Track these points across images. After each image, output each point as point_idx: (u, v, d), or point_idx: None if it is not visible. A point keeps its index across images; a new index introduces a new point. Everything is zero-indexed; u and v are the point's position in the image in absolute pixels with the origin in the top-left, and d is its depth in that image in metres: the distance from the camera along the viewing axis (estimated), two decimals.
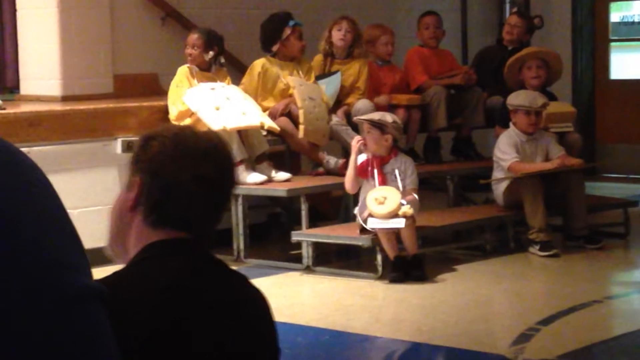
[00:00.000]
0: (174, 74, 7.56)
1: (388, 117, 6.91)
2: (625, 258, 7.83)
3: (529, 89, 7.97)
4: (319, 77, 8.02)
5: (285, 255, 7.42)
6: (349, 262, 7.41)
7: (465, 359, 5.26)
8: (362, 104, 7.91)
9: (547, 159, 7.66)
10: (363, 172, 6.86)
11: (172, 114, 7.45)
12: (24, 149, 1.21)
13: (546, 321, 5.72)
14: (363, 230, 6.84)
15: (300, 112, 7.52)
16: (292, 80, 7.65)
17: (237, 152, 7.10)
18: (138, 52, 8.34)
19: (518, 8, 9.57)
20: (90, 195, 7.22)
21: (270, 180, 7.37)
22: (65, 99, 7.84)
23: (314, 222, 7.45)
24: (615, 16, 11.35)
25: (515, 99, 7.70)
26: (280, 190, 7.32)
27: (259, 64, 7.78)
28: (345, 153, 7.72)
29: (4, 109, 7.12)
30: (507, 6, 11.07)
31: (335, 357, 5.42)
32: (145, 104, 7.66)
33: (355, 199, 7.16)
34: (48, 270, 1.14)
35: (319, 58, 8.18)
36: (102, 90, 8.05)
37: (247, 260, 7.27)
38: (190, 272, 2.25)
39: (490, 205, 8.10)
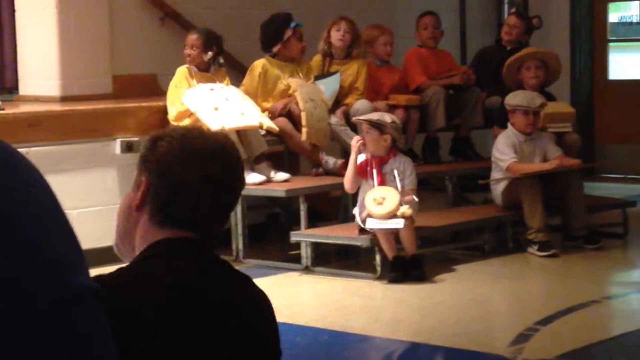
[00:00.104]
0: (173, 74, 7.56)
1: (387, 118, 6.91)
2: (623, 258, 7.84)
3: (527, 90, 7.97)
4: (317, 78, 8.02)
5: (284, 255, 7.42)
6: (347, 262, 7.41)
7: (464, 359, 5.26)
8: (360, 104, 7.91)
9: (545, 159, 7.66)
10: (362, 172, 6.86)
11: (171, 115, 7.45)
12: (23, 150, 1.22)
13: (545, 321, 5.72)
14: (362, 231, 6.85)
15: (303, 115, 7.53)
16: (294, 82, 7.65)
17: None
18: (137, 52, 8.34)
19: (517, 8, 9.57)
20: (90, 195, 7.22)
21: (269, 180, 7.37)
22: (64, 99, 7.83)
23: (313, 223, 7.45)
24: (613, 16, 11.36)
25: (514, 99, 7.70)
26: (279, 191, 7.32)
27: (259, 65, 7.79)
28: (344, 153, 7.72)
29: (3, 109, 7.12)
30: (506, 6, 11.07)
31: (334, 357, 5.42)
32: (144, 104, 7.66)
33: (354, 199, 7.16)
34: (46, 270, 1.14)
35: (317, 58, 8.18)
36: (101, 90, 8.05)
37: (246, 260, 7.28)
38: (195, 272, 2.26)
39: (488, 205, 8.11)
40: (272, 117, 7.63)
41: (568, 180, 7.59)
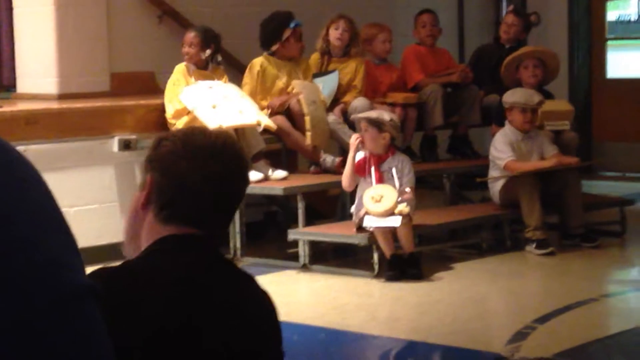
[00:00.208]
0: (170, 72, 7.56)
1: (385, 116, 6.91)
2: (621, 256, 7.84)
3: (525, 88, 7.97)
4: (316, 76, 8.02)
5: (281, 253, 7.42)
6: (345, 260, 7.40)
7: (462, 357, 5.27)
8: (359, 102, 7.91)
9: (542, 157, 7.66)
10: (360, 170, 6.86)
11: (169, 112, 7.45)
12: (20, 148, 1.22)
13: (542, 319, 5.73)
14: (359, 229, 6.85)
15: (307, 119, 7.53)
16: (297, 85, 7.63)
17: None
18: (135, 50, 8.33)
19: (514, 6, 9.56)
20: (87, 193, 7.22)
21: (267, 178, 7.37)
22: (61, 97, 7.83)
23: (310, 221, 7.45)
24: (611, 15, 11.38)
25: (511, 96, 7.71)
26: (276, 189, 7.32)
27: (257, 63, 7.78)
28: (342, 151, 7.72)
29: (1, 107, 7.12)
30: (504, 4, 11.07)
31: (331, 356, 5.43)
32: (142, 102, 7.66)
33: (351, 197, 7.16)
34: (43, 269, 1.14)
35: (316, 56, 8.18)
36: (99, 88, 8.04)
37: (243, 258, 7.28)
38: (200, 268, 2.28)
39: (486, 203, 8.11)
40: (271, 112, 7.63)
41: (566, 178, 7.59)
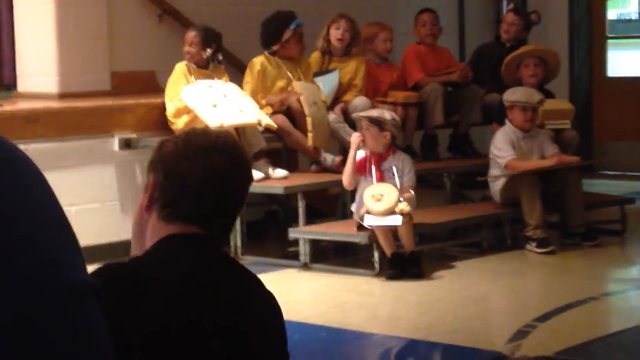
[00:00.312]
0: (171, 71, 7.56)
1: (387, 114, 6.91)
2: (621, 255, 7.84)
3: (526, 87, 7.97)
4: (316, 75, 8.02)
5: (282, 252, 7.42)
6: (346, 259, 7.41)
7: (462, 355, 5.27)
8: (359, 100, 7.91)
9: (542, 156, 7.66)
10: (361, 168, 6.86)
11: (170, 111, 7.45)
12: (21, 147, 1.21)
13: (543, 318, 5.73)
14: (360, 227, 6.85)
15: (308, 121, 7.53)
16: (298, 87, 7.63)
17: None
18: (135, 49, 8.33)
19: (515, 5, 9.56)
20: (87, 192, 7.22)
21: (267, 177, 7.36)
22: (62, 96, 7.83)
23: (311, 219, 7.45)
24: (612, 14, 11.38)
25: (512, 95, 7.70)
26: (277, 188, 7.32)
27: (257, 62, 7.78)
28: (343, 150, 7.73)
29: (1, 105, 7.12)
30: (504, 3, 11.06)
31: (332, 354, 5.43)
32: (142, 101, 7.66)
33: (352, 196, 7.16)
34: (44, 267, 1.14)
35: (316, 55, 8.18)
36: (100, 87, 8.04)
37: (244, 257, 7.27)
38: (203, 267, 2.29)
39: (487, 202, 8.10)
40: (271, 107, 7.63)
41: (566, 177, 7.59)
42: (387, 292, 6.54)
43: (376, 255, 6.80)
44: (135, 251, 2.43)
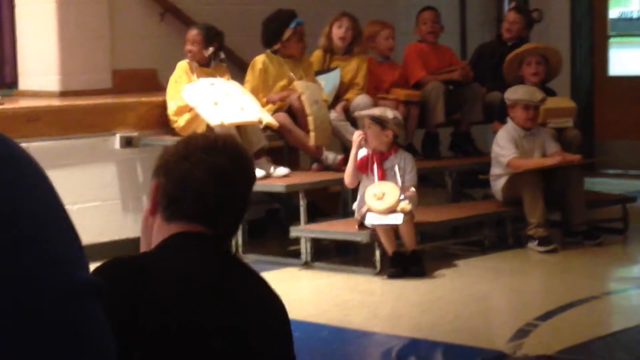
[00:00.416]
0: (172, 69, 7.56)
1: (389, 113, 6.91)
2: (623, 254, 7.84)
3: (528, 85, 7.96)
4: (318, 73, 8.02)
5: (283, 250, 7.42)
6: (347, 257, 7.41)
7: (464, 354, 5.26)
8: (360, 99, 7.91)
9: (544, 154, 7.66)
10: (363, 167, 6.86)
11: (171, 109, 7.45)
12: (22, 145, 1.21)
13: (544, 317, 5.72)
14: (361, 226, 6.85)
15: (310, 120, 7.52)
16: (299, 86, 7.62)
17: None
18: (137, 47, 8.33)
19: (516, 4, 9.56)
20: (89, 190, 7.22)
21: (268, 175, 7.36)
22: (63, 94, 7.83)
23: (312, 218, 7.45)
24: (613, 12, 11.36)
25: (514, 93, 7.70)
26: (278, 186, 7.31)
27: (259, 61, 7.78)
28: (344, 149, 7.72)
29: (3, 104, 7.12)
30: (506, 1, 11.05)
31: (333, 353, 5.43)
32: (143, 99, 7.66)
33: (353, 194, 7.16)
34: (48, 266, 1.14)
35: (318, 53, 8.18)
36: (101, 85, 8.04)
37: (245, 255, 7.27)
38: (206, 266, 2.29)
39: (488, 201, 8.10)
40: (272, 105, 7.63)
41: (568, 176, 7.58)
42: (388, 290, 6.54)
43: (377, 253, 6.80)
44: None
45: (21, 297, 1.11)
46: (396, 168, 6.85)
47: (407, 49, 8.75)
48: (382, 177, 6.81)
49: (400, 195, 6.64)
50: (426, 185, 8.17)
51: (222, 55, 7.71)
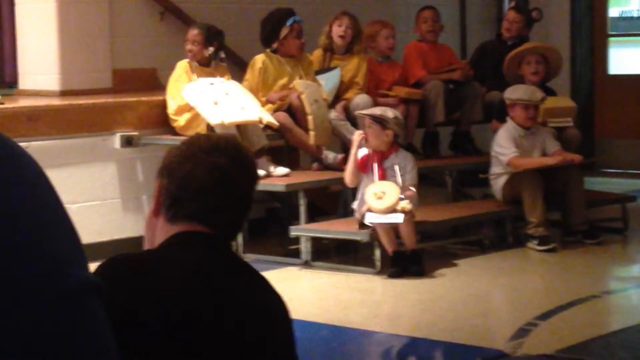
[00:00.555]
0: (173, 68, 7.56)
1: (389, 113, 6.91)
2: (623, 253, 7.84)
3: (527, 84, 7.96)
4: (318, 72, 8.02)
5: (283, 250, 7.42)
6: (347, 257, 7.41)
7: (464, 353, 5.26)
8: (360, 98, 7.91)
9: (544, 154, 7.66)
10: (363, 166, 6.86)
11: (171, 109, 7.45)
12: (22, 144, 1.21)
13: (544, 316, 5.73)
14: (362, 225, 6.85)
15: (310, 119, 7.52)
16: (299, 85, 7.62)
17: None
18: (137, 47, 8.33)
19: (516, 3, 9.56)
20: (89, 190, 7.22)
21: (268, 175, 7.36)
22: (63, 93, 7.83)
23: (312, 217, 7.45)
24: (613, 11, 11.35)
25: (514, 93, 7.70)
26: (278, 185, 7.31)
27: (259, 60, 7.78)
28: (344, 148, 7.72)
29: (3, 103, 7.12)
30: (506, 0, 11.05)
31: (333, 352, 5.43)
32: (144, 98, 7.66)
33: (353, 193, 7.16)
34: (47, 265, 1.14)
35: (318, 52, 8.18)
36: (101, 85, 8.04)
37: (245, 255, 7.27)
38: (206, 266, 2.29)
39: (488, 200, 8.10)
40: (272, 104, 7.63)
41: (568, 175, 7.58)
42: (388, 290, 6.54)
43: (377, 253, 6.80)
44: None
45: (21, 297, 1.11)
46: (396, 167, 6.85)
47: (406, 48, 8.75)
48: (383, 176, 6.81)
49: (400, 195, 6.64)
50: (426, 185, 8.17)
51: (223, 55, 7.71)
